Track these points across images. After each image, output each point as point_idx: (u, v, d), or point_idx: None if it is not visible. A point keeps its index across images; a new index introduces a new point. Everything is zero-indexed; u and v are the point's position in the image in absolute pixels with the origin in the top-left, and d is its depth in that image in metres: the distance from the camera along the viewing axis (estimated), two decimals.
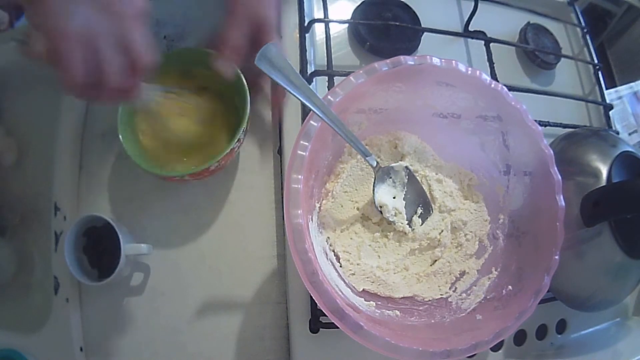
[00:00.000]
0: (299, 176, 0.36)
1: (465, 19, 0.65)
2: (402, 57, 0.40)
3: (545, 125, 0.60)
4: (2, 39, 0.58)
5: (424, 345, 0.35)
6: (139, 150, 0.48)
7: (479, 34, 0.65)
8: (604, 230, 0.47)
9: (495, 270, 0.45)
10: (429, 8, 0.65)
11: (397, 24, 0.59)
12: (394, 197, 0.47)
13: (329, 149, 0.46)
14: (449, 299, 0.45)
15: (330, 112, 0.38)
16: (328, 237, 0.46)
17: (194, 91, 0.50)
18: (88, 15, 0.32)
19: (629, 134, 0.82)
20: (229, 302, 0.50)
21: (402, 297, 0.46)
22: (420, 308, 0.45)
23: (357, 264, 0.45)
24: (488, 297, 0.43)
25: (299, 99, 0.38)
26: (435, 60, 0.41)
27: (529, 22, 0.71)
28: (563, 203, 0.41)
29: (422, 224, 0.47)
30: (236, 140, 0.45)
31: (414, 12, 0.63)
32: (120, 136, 0.45)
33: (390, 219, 0.46)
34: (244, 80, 0.47)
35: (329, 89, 0.52)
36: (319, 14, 0.60)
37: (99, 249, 0.48)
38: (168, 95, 0.46)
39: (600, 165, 0.50)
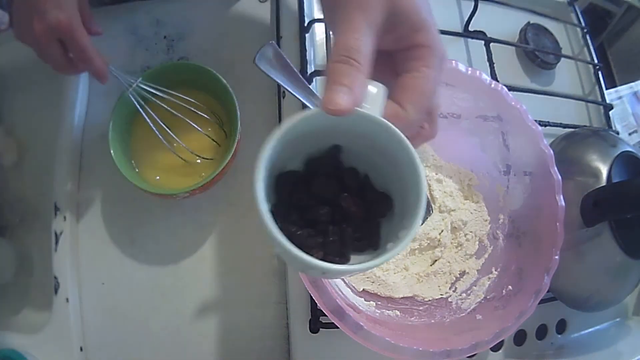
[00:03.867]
0: None
1: (465, 19, 0.65)
2: None
3: (545, 125, 0.60)
4: (2, 39, 0.58)
5: (424, 345, 0.35)
6: (133, 167, 0.49)
7: (479, 34, 0.65)
8: (604, 230, 0.47)
9: (495, 270, 0.45)
10: None
11: None
12: None
13: None
14: (449, 299, 0.45)
15: None
16: None
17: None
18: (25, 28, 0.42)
19: (629, 134, 0.82)
20: (229, 302, 0.50)
21: (402, 297, 0.46)
22: (420, 308, 0.45)
23: None
24: (488, 297, 0.43)
25: (299, 99, 0.38)
26: None
27: (529, 22, 0.71)
28: (563, 203, 0.41)
29: (422, 224, 0.47)
30: (225, 161, 0.46)
31: None
32: (113, 155, 0.46)
33: None
34: (235, 99, 0.48)
35: None
36: (319, 14, 0.59)
37: None
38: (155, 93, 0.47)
39: (600, 165, 0.49)
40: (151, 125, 0.46)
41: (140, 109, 0.46)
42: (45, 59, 0.43)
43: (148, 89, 0.47)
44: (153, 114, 0.46)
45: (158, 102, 0.47)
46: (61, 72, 0.44)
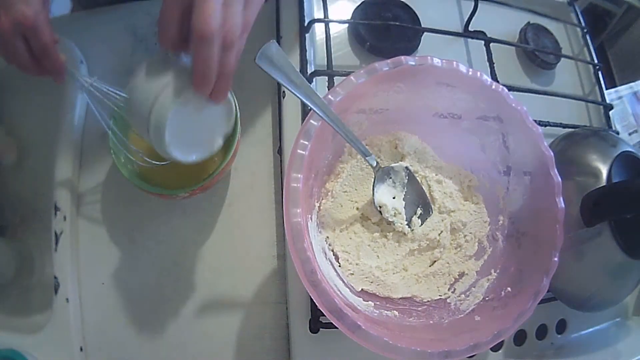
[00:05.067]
0: (299, 175, 0.36)
1: (465, 19, 0.65)
2: (402, 58, 0.40)
3: (545, 125, 0.60)
4: None
5: (423, 345, 0.35)
6: (132, 167, 0.48)
7: (479, 34, 0.65)
8: (604, 230, 0.47)
9: (495, 272, 0.45)
10: (429, 8, 0.65)
11: (397, 24, 0.59)
12: (394, 198, 0.47)
13: (329, 148, 0.46)
14: (448, 300, 0.45)
15: (331, 111, 0.38)
16: (327, 237, 0.46)
17: None
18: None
19: (629, 134, 0.82)
20: (229, 302, 0.50)
21: (400, 298, 0.46)
22: (419, 309, 0.45)
23: (356, 264, 0.45)
24: (487, 298, 0.43)
25: (300, 98, 0.38)
26: (436, 61, 0.41)
27: (529, 22, 0.71)
28: (563, 205, 0.41)
29: (421, 225, 0.47)
30: (225, 161, 0.46)
31: (414, 12, 0.63)
32: (113, 155, 0.45)
33: (390, 219, 0.46)
34: (234, 98, 0.47)
35: (329, 89, 0.52)
36: (319, 14, 0.60)
37: None
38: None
39: (600, 165, 0.49)
40: (105, 128, 0.45)
41: (95, 110, 0.45)
42: (10, 57, 0.42)
43: (102, 89, 0.44)
44: (106, 118, 0.45)
45: (111, 104, 0.44)
46: (26, 71, 0.44)
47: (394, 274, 0.46)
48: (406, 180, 0.47)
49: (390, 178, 0.47)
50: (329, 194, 0.47)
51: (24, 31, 0.40)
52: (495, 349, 0.53)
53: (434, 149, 0.51)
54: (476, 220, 0.49)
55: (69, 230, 0.48)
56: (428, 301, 0.46)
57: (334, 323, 0.34)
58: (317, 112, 0.37)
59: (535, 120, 0.43)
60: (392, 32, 0.61)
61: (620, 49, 1.22)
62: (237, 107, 0.47)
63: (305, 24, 0.56)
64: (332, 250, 0.46)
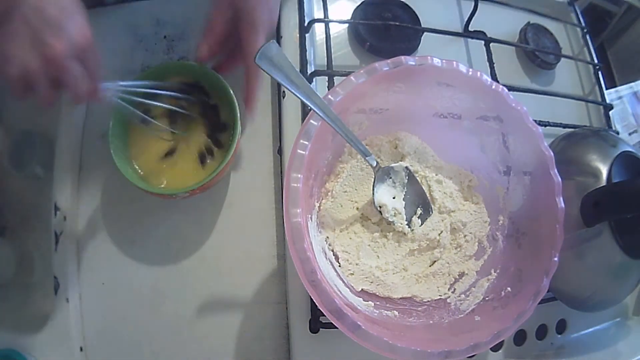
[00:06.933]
0: (299, 175, 0.36)
1: (465, 19, 0.65)
2: (402, 58, 0.40)
3: (545, 125, 0.60)
4: None
5: (422, 345, 0.35)
6: (133, 167, 0.48)
7: (479, 34, 0.65)
8: (604, 230, 0.47)
9: (495, 272, 0.45)
10: (429, 8, 0.65)
11: (397, 24, 0.59)
12: (394, 198, 0.47)
13: (329, 148, 0.46)
14: (448, 300, 0.45)
15: (331, 111, 0.38)
16: (327, 237, 0.46)
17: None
18: (23, 56, 0.35)
19: (629, 134, 0.82)
20: (229, 302, 0.50)
21: (400, 298, 0.46)
22: (419, 309, 0.45)
23: (356, 264, 0.45)
24: (487, 298, 0.43)
25: (300, 98, 0.38)
26: (436, 61, 0.41)
27: (529, 22, 0.71)
28: (563, 205, 0.41)
29: (421, 225, 0.47)
30: (225, 163, 0.46)
31: (414, 12, 0.63)
32: (113, 155, 0.45)
33: (390, 219, 0.46)
34: (235, 99, 0.48)
35: (329, 89, 0.52)
36: (319, 14, 0.60)
37: None
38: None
39: (600, 165, 0.50)
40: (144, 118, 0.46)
41: (129, 107, 0.45)
42: (66, 83, 0.37)
43: (129, 89, 0.45)
44: (135, 110, 0.46)
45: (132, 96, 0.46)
46: (78, 99, 0.39)
47: (394, 274, 0.46)
48: (406, 180, 0.47)
49: (390, 178, 0.47)
50: (329, 194, 0.47)
51: (80, 54, 0.37)
52: (495, 348, 0.53)
53: (434, 149, 0.51)
54: (476, 220, 0.49)
55: (69, 230, 0.48)
56: (428, 301, 0.46)
57: (334, 323, 0.34)
58: (317, 112, 0.37)
59: (535, 120, 0.43)
60: (392, 32, 0.61)
61: (620, 49, 1.22)
62: (238, 107, 0.47)
63: (305, 24, 0.56)
64: (332, 251, 0.46)
